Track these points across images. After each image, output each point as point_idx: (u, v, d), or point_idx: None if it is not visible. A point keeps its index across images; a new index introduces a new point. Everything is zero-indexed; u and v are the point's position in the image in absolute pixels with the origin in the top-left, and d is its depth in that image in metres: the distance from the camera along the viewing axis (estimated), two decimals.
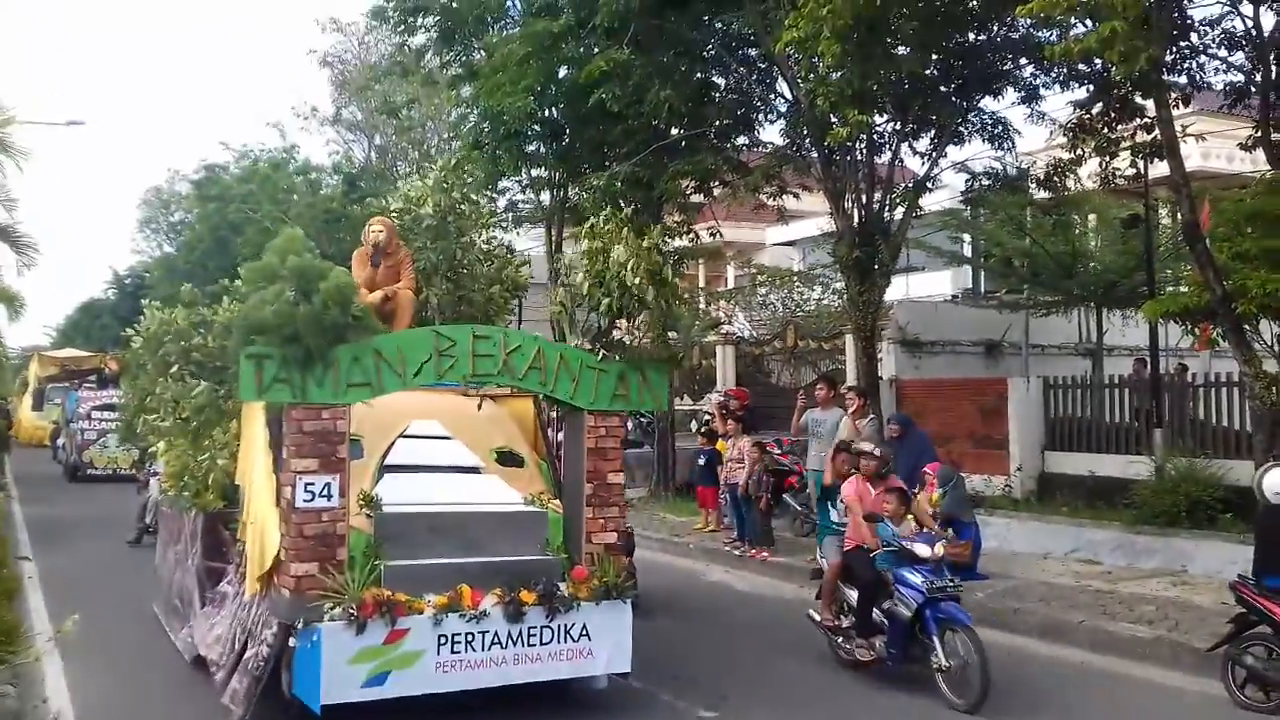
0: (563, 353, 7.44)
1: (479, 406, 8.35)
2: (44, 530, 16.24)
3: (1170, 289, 16.16)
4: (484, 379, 7.44)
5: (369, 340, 6.74)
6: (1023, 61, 15.16)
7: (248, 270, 6.80)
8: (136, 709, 7.69)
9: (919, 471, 11.34)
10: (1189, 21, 13.22)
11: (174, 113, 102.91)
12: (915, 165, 16.78)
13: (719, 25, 16.35)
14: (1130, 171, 14.63)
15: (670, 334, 8.28)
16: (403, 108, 28.10)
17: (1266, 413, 11.45)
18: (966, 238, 24.06)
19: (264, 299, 6.43)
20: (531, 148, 18.76)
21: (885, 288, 15.80)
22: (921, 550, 7.91)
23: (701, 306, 25.01)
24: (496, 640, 6.71)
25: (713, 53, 16.89)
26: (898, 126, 15.70)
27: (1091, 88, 14.69)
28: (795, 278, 24.05)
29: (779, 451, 15.10)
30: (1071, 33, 12.05)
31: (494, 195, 20.45)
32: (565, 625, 6.91)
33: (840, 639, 8.57)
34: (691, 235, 18.91)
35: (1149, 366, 15.58)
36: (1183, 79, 13.56)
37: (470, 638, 6.64)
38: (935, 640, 7.68)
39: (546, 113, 17.82)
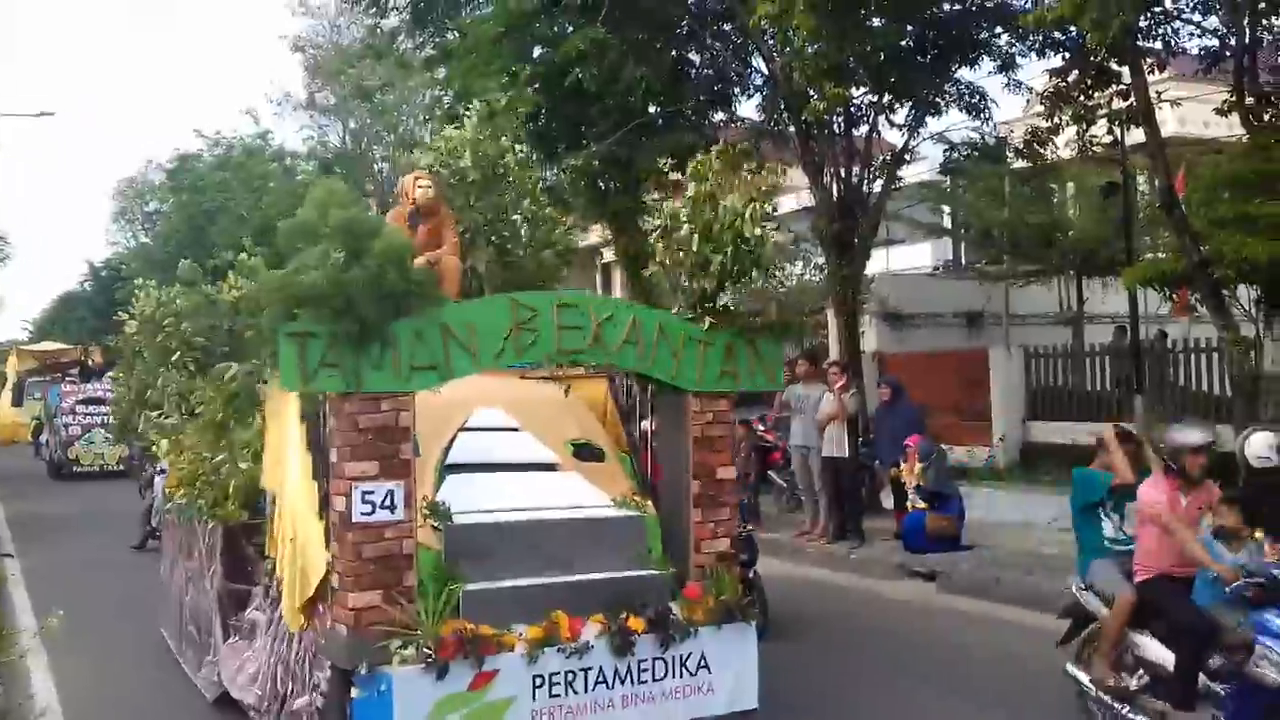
0: (662, 322, 6.14)
1: (565, 392, 6.98)
2: (27, 528, 16.15)
3: (1149, 256, 16.23)
4: (572, 356, 6.08)
5: (435, 311, 5.50)
6: (998, 30, 15.13)
7: (284, 229, 5.59)
8: (123, 703, 7.65)
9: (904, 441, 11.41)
10: None
11: (146, 102, 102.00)
12: (894, 138, 16.78)
13: (693, 1, 16.26)
14: (1107, 139, 14.65)
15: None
16: (376, 91, 27.91)
17: (1245, 377, 11.52)
18: (946, 209, 24.09)
19: (305, 262, 5.18)
20: None
21: (866, 261, 15.81)
22: None
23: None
24: (602, 678, 5.57)
25: (687, 29, 16.80)
26: (875, 99, 15.66)
27: (1067, 55, 14.68)
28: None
29: (763, 428, 15.12)
30: (1045, 0, 12.04)
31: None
32: (680, 656, 5.78)
33: (1126, 708, 6.17)
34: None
35: (1128, 334, 15.66)
36: (1158, 44, 13.57)
37: (571, 677, 5.50)
38: None
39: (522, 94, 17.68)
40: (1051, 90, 14.44)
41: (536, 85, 17.12)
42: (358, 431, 5.27)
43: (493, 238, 8.19)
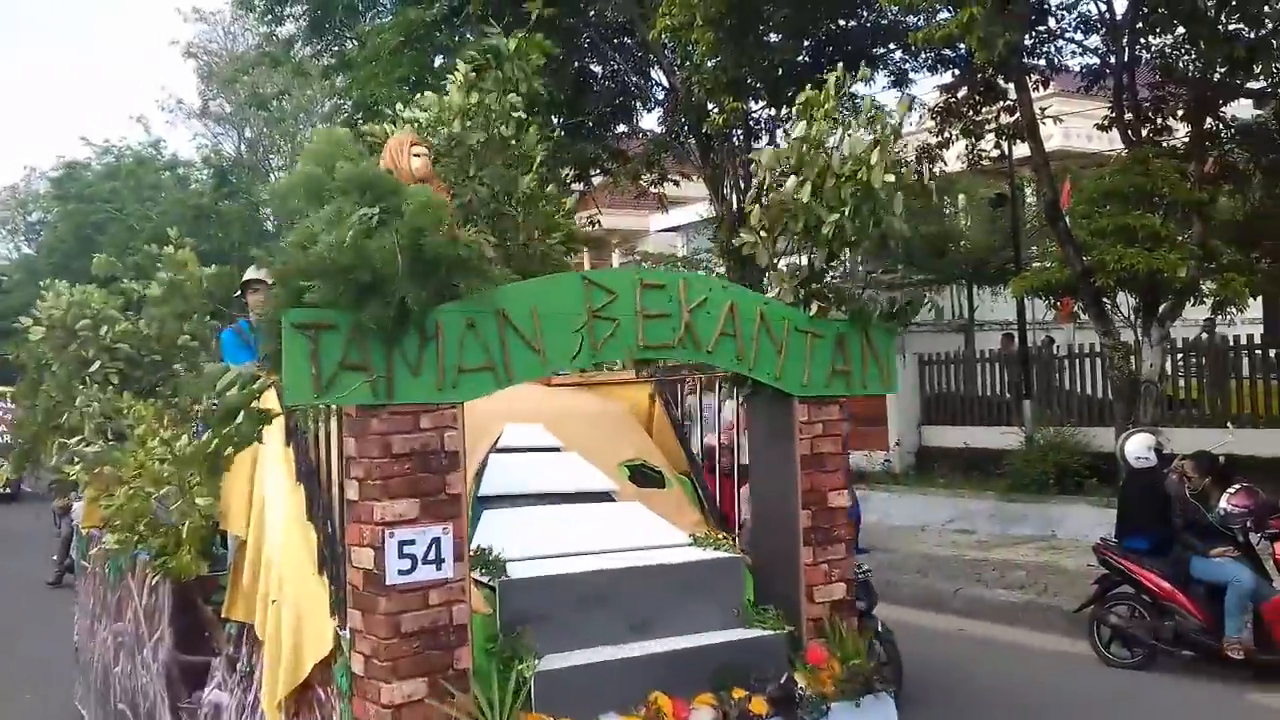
0: (763, 308, 4.75)
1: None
2: None
3: (1036, 265, 16.80)
4: (659, 353, 4.69)
5: (490, 294, 4.06)
6: (891, 46, 15.54)
7: (279, 189, 4.40)
8: None
9: None
10: (1046, 6, 13.72)
11: (27, 108, 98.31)
12: None
13: (594, 14, 16.36)
14: (995, 153, 15.14)
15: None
16: (273, 99, 27.42)
17: (1125, 381, 12.00)
18: None
19: (310, 228, 3.87)
20: None
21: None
22: None
23: None
24: None
25: (589, 41, 16.89)
26: (773, 112, 15.96)
27: (957, 72, 15.15)
28: (679, 264, 24.26)
29: None
30: (937, 18, 12.41)
31: None
32: None
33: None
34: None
35: (1016, 341, 16.18)
36: (1042, 62, 14.09)
37: None
38: None
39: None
40: (942, 105, 14.88)
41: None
42: (391, 459, 3.88)
43: (491, 216, 6.51)
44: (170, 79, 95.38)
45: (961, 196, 21.32)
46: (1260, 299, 15.27)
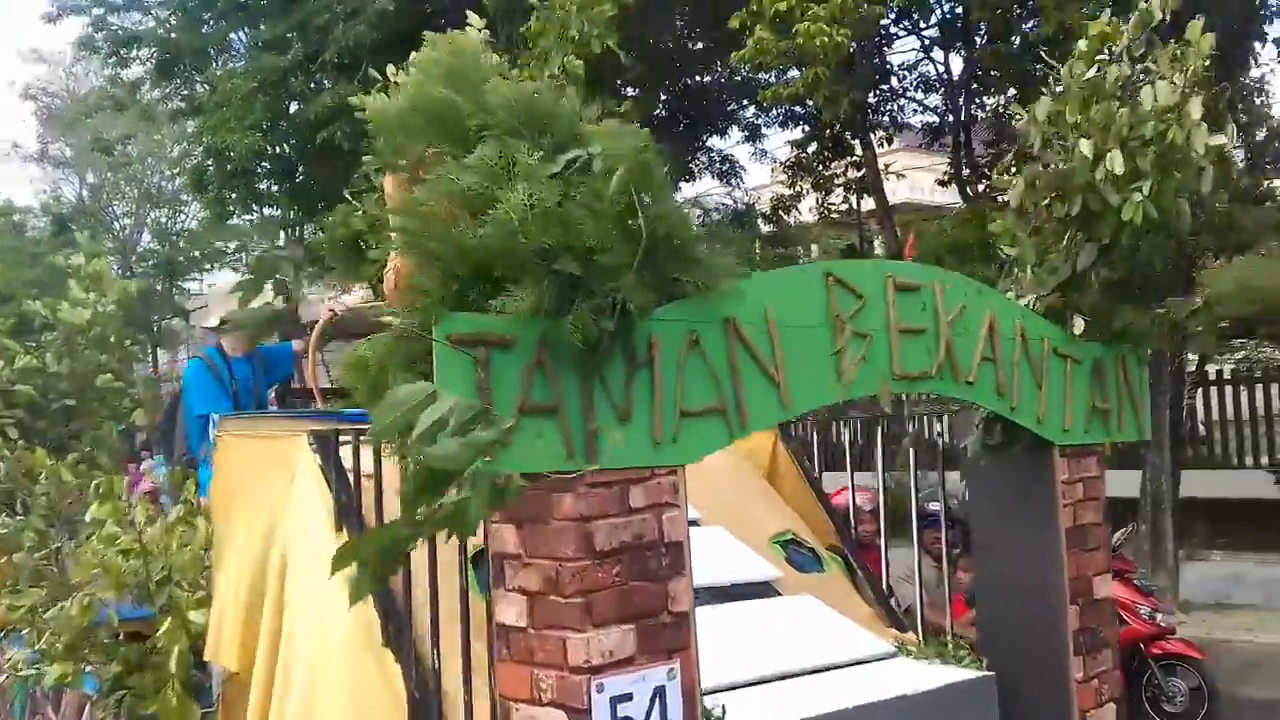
0: (1022, 322, 3.62)
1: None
2: None
3: None
4: (911, 385, 3.37)
5: (716, 295, 2.75)
6: (745, 102, 16.00)
7: (388, 112, 2.74)
8: None
9: None
10: (889, 66, 14.34)
11: None
12: None
13: None
14: (844, 206, 15.67)
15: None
16: (117, 144, 26.49)
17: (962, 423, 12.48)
18: None
19: (469, 179, 2.47)
20: (262, 186, 18.09)
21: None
22: None
23: None
24: None
25: None
26: None
27: (807, 128, 15.68)
28: None
29: None
30: (787, 76, 12.85)
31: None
32: None
33: None
34: None
35: None
36: (886, 119, 14.70)
37: None
38: None
39: (277, 150, 17.25)
40: (793, 160, 15.34)
41: (291, 142, 16.80)
42: (595, 560, 2.50)
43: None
44: (6, 121, 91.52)
45: (815, 247, 21.98)
46: None
